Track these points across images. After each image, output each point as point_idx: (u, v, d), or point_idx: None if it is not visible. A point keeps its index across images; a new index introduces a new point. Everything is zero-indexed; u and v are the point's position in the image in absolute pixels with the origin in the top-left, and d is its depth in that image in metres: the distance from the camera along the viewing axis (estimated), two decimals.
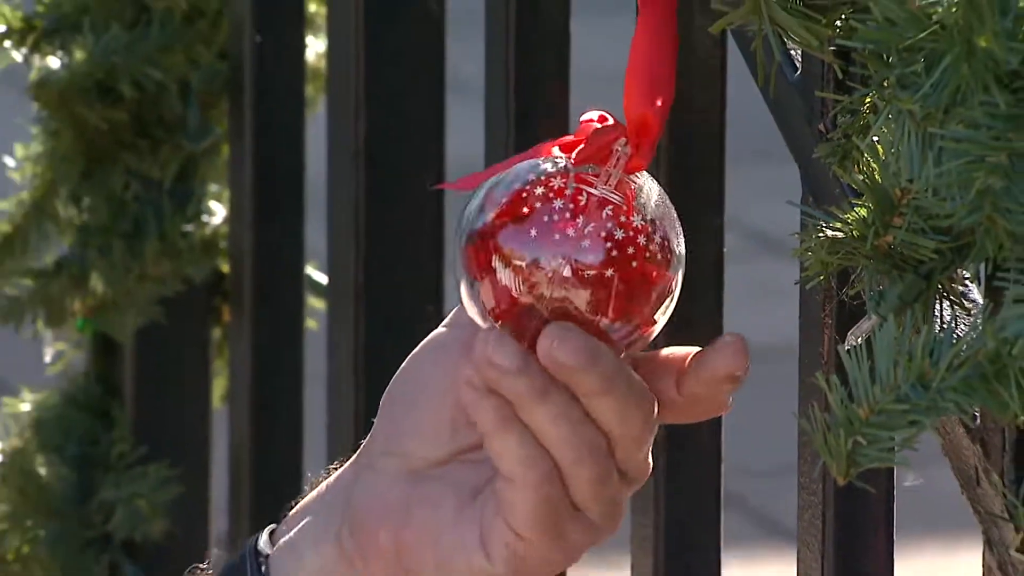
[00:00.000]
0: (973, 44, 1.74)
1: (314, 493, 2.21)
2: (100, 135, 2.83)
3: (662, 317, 1.96)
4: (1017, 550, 1.80)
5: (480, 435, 2.13)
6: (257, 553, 2.12)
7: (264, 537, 2.19)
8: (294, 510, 2.20)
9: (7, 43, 2.83)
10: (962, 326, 1.82)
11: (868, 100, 1.88)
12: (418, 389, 2.16)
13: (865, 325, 1.85)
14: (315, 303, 2.81)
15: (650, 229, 1.95)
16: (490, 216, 1.95)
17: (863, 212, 1.85)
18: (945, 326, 1.84)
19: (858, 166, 1.88)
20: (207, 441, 2.94)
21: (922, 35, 1.77)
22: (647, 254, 1.96)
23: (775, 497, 2.28)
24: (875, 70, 1.84)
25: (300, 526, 2.17)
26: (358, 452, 2.19)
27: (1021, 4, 1.80)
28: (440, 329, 2.21)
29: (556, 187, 1.95)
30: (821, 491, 2.08)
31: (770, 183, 2.06)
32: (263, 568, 2.16)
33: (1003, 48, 1.73)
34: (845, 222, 1.88)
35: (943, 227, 1.80)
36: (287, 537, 2.17)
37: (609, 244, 1.93)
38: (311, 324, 2.84)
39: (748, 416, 2.22)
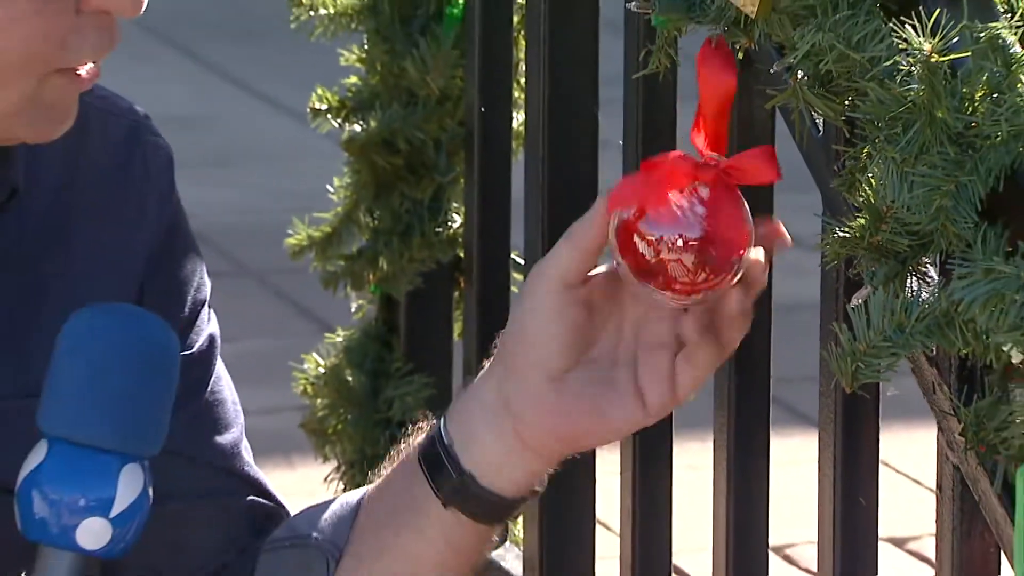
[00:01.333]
0: (933, 115, 1.75)
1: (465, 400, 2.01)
2: (385, 172, 2.81)
3: (739, 271, 1.88)
4: (960, 434, 1.77)
5: (588, 345, 1.94)
6: (440, 431, 2.03)
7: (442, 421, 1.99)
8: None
9: (329, 115, 2.78)
10: (924, 293, 1.79)
11: (865, 151, 1.84)
12: (547, 319, 1.95)
13: (863, 292, 1.85)
14: (517, 276, 2.75)
15: (747, 219, 1.89)
16: (631, 211, 1.89)
17: (862, 221, 1.83)
18: (913, 293, 1.80)
19: (859, 192, 1.84)
20: (450, 361, 2.89)
21: (900, 109, 1.77)
22: (732, 233, 1.90)
23: (804, 398, 2.22)
24: (870, 131, 1.81)
25: (469, 422, 1.99)
26: (489, 372, 1.99)
27: (963, 90, 1.75)
28: (528, 287, 1.99)
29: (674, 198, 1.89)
30: (834, 396, 2.05)
31: (802, 203, 2.00)
32: (444, 438, 1.98)
33: (952, 118, 1.74)
34: (850, 227, 1.85)
35: (913, 231, 1.80)
36: (459, 427, 1.99)
37: (705, 225, 1.87)
38: (514, 289, 2.78)
39: (787, 348, 2.14)
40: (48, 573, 1.81)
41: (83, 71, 1.90)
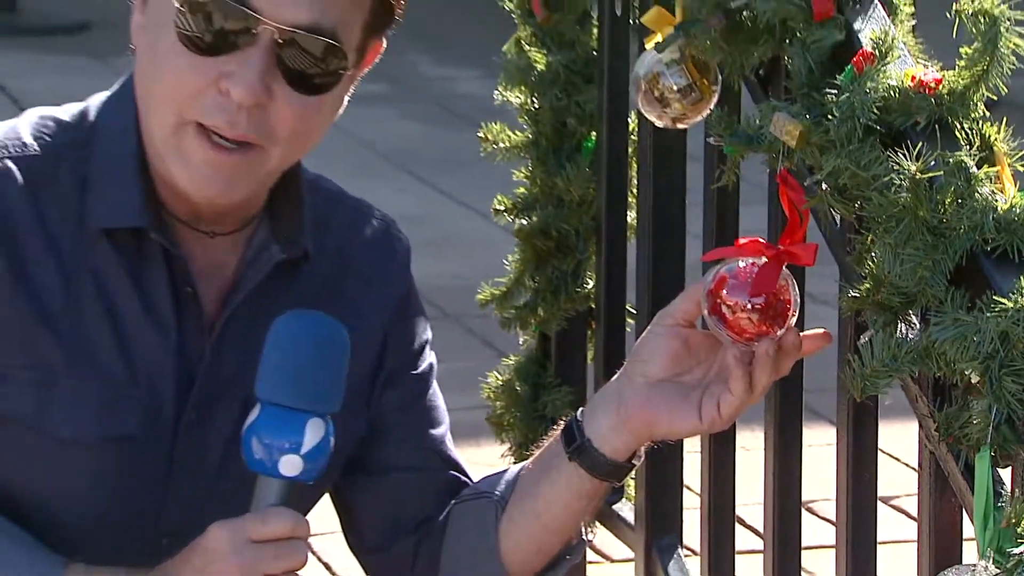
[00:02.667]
0: (917, 214, 1.70)
1: (596, 395, 2.04)
2: (542, 251, 2.92)
3: (788, 326, 1.85)
4: (935, 431, 1.71)
5: (683, 370, 1.91)
6: (576, 414, 1.97)
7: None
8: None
9: (505, 214, 2.82)
10: (910, 335, 1.74)
11: (869, 238, 1.80)
12: (655, 344, 1.91)
13: (868, 334, 1.79)
14: (630, 321, 2.71)
15: (787, 285, 1.87)
16: (714, 281, 1.87)
17: (867, 285, 1.78)
18: (903, 335, 1.75)
19: (865, 265, 1.79)
20: (584, 377, 2.88)
21: (894, 210, 1.72)
22: (785, 299, 1.87)
23: (825, 404, 2.18)
24: (873, 225, 1.76)
25: (593, 405, 1.96)
26: (615, 376, 1.96)
27: (937, 197, 1.70)
28: (653, 322, 1.97)
29: (745, 269, 1.86)
30: (848, 402, 2.01)
31: (826, 272, 1.95)
32: (580, 422, 1.94)
33: (929, 216, 1.67)
34: (859, 289, 1.80)
35: (903, 292, 1.74)
36: (587, 410, 1.96)
37: (767, 295, 1.85)
38: (628, 330, 2.72)
39: (814, 369, 2.08)
40: (264, 493, 1.82)
41: (219, 140, 1.79)
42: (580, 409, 1.98)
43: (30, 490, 1.83)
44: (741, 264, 1.86)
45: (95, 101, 1.90)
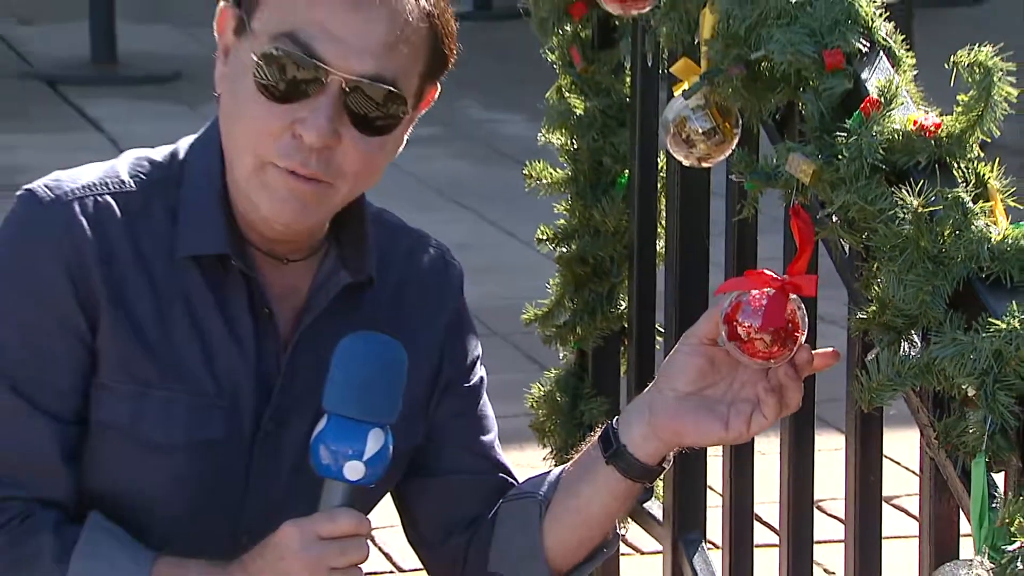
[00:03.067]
0: (919, 244, 1.68)
1: (629, 406, 1.99)
2: (580, 276, 2.90)
3: (797, 347, 1.85)
4: (934, 439, 1.68)
5: (708, 384, 1.90)
6: (612, 422, 1.96)
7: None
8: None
9: (547, 242, 2.82)
10: (912, 353, 1.71)
11: (875, 265, 1.78)
12: (682, 361, 1.90)
13: (875, 351, 1.76)
14: (659, 339, 2.69)
15: (794, 310, 1.85)
16: (730, 308, 1.86)
17: (874, 308, 1.76)
18: (906, 353, 1.72)
19: (872, 290, 1.77)
20: (618, 388, 2.86)
21: (898, 241, 1.69)
22: (793, 323, 1.86)
23: (835, 413, 2.15)
24: (879, 254, 1.75)
25: (627, 415, 1.95)
26: (647, 389, 1.95)
27: (937, 229, 1.68)
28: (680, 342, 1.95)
29: (756, 296, 1.85)
30: (856, 412, 1.99)
31: (836, 296, 1.93)
32: (615, 429, 1.94)
33: (930, 246, 1.66)
34: (866, 312, 1.79)
35: (906, 314, 1.72)
36: (622, 419, 1.95)
37: (785, 323, 1.84)
38: (657, 347, 2.70)
39: (825, 383, 2.06)
40: (330, 494, 1.81)
41: (296, 171, 1.79)
42: (615, 418, 1.97)
43: (124, 490, 1.84)
44: (754, 292, 1.85)
45: (183, 143, 1.91)
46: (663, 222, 2.63)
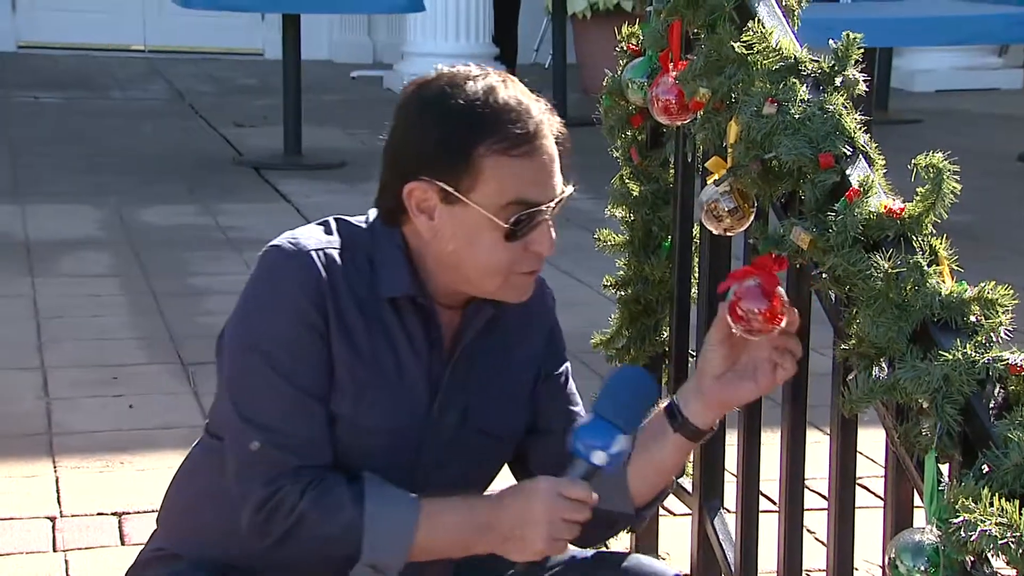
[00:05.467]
0: (888, 296, 1.63)
1: (684, 391, 1.94)
2: (634, 312, 2.89)
3: (784, 320, 1.84)
4: (897, 439, 1.64)
5: (733, 362, 1.89)
6: (674, 401, 1.94)
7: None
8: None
9: (610, 287, 2.78)
10: (882, 375, 1.67)
11: (855, 310, 1.73)
12: (712, 355, 1.89)
13: (854, 373, 1.71)
14: (691, 362, 2.64)
15: (781, 294, 1.84)
16: (731, 301, 1.84)
17: (853, 341, 1.73)
18: (877, 375, 1.68)
19: (851, 328, 1.73)
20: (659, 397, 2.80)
21: (872, 292, 1.64)
22: (781, 303, 1.84)
23: (821, 416, 2.10)
24: (859, 301, 1.72)
25: (684, 396, 1.93)
26: (692, 378, 1.93)
27: (903, 285, 1.63)
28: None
29: (747, 288, 1.83)
30: (838, 417, 1.93)
31: (826, 333, 1.90)
32: (678, 406, 1.93)
33: (896, 297, 1.61)
34: (848, 344, 1.74)
35: (877, 347, 1.67)
36: (680, 399, 1.93)
37: (770, 300, 1.83)
38: (690, 365, 2.64)
39: (815, 393, 2.01)
40: (575, 469, 1.79)
41: (535, 270, 1.86)
42: (673, 397, 1.94)
43: (349, 459, 1.85)
44: (744, 286, 1.84)
45: (372, 213, 1.93)
46: (696, 274, 2.60)
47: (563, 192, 1.84)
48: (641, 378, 1.87)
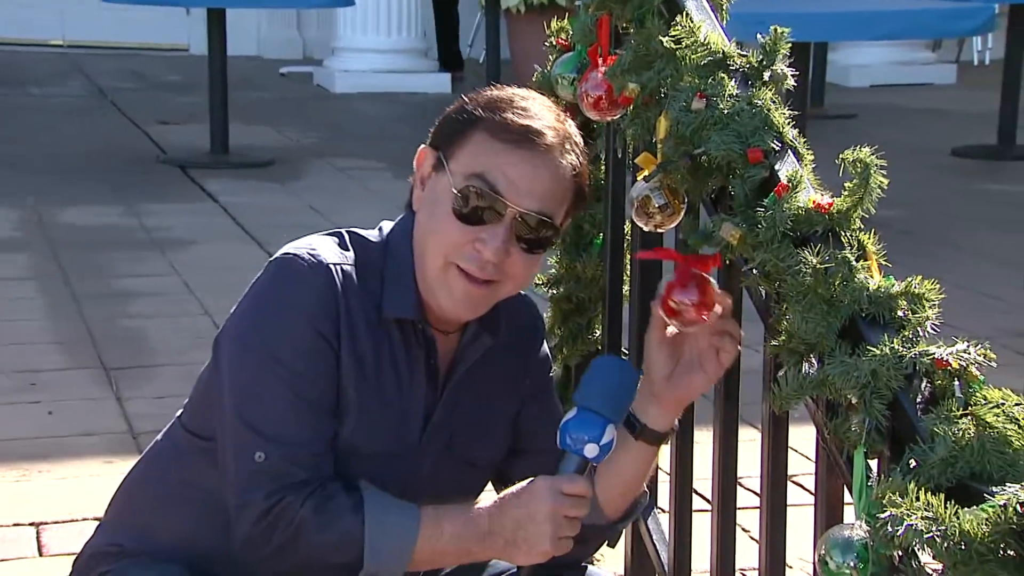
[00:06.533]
0: (817, 292, 1.66)
1: (638, 398, 1.93)
2: (565, 311, 2.91)
3: (715, 309, 1.88)
4: (826, 434, 1.67)
5: (677, 358, 1.92)
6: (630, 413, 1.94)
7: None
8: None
9: (542, 286, 2.78)
10: (811, 371, 1.69)
11: (785, 306, 1.77)
12: (655, 357, 1.92)
13: (784, 369, 1.74)
14: (625, 359, 2.66)
15: (710, 282, 1.87)
16: (662, 295, 1.86)
17: (783, 337, 1.76)
18: (806, 371, 1.70)
19: (782, 324, 1.76)
20: None
21: (802, 288, 1.69)
22: (712, 290, 1.86)
23: (753, 413, 2.12)
24: (788, 297, 1.75)
25: (640, 404, 1.94)
26: (643, 384, 1.93)
27: (830, 280, 1.66)
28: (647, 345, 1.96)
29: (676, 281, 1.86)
30: (769, 413, 1.95)
31: (756, 329, 1.92)
32: (634, 415, 1.95)
33: (826, 293, 1.63)
34: (778, 340, 1.76)
35: (807, 342, 1.70)
36: (636, 407, 1.94)
37: (701, 290, 1.85)
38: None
39: (747, 390, 2.02)
40: (568, 465, 1.81)
41: (473, 275, 1.83)
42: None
43: (349, 474, 1.86)
44: (672, 280, 1.87)
45: (386, 227, 1.94)
46: (628, 272, 2.62)
47: (541, 213, 1.82)
48: (622, 366, 1.89)
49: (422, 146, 1.86)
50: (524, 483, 1.82)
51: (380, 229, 1.91)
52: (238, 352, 1.79)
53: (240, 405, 1.77)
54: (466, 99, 1.85)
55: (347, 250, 1.86)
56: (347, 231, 1.90)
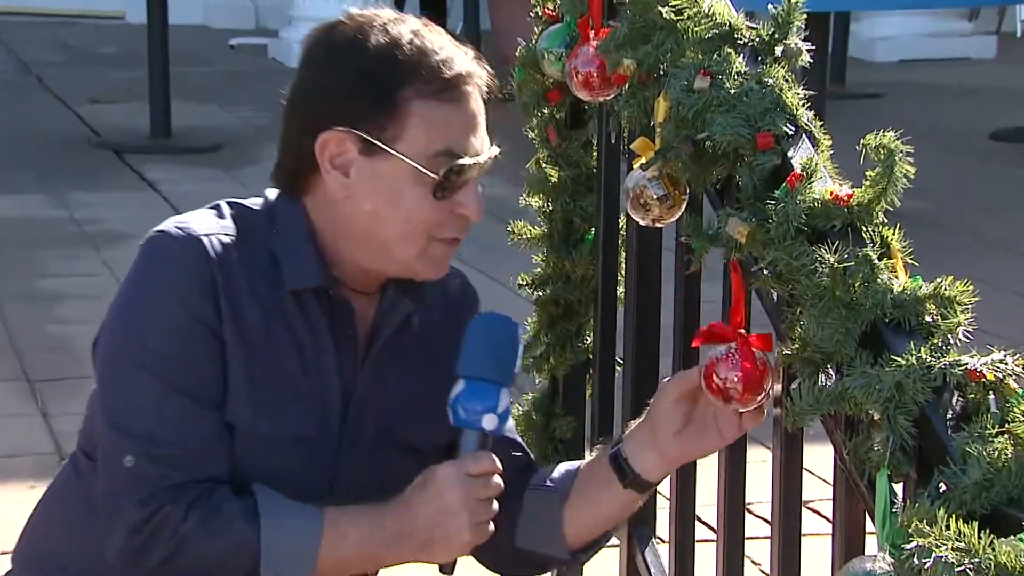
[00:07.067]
0: (835, 294, 1.70)
1: (634, 443, 1.98)
2: (554, 315, 2.91)
3: (769, 393, 1.89)
4: (846, 455, 1.69)
5: (692, 415, 1.95)
6: (620, 453, 1.99)
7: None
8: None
9: (526, 287, 2.82)
10: (828, 383, 1.70)
11: (799, 310, 1.79)
12: (670, 412, 1.95)
13: (797, 381, 1.77)
14: (618, 370, 2.67)
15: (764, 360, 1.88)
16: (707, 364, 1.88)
17: (797, 345, 1.79)
18: (823, 383, 1.72)
19: (795, 330, 1.78)
20: (584, 410, 2.82)
21: (817, 291, 1.71)
22: (763, 375, 1.88)
23: (763, 431, 2.14)
24: (802, 300, 1.77)
25: (637, 450, 1.97)
26: (641, 428, 1.97)
27: (850, 281, 1.67)
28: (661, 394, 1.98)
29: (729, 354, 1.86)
30: (782, 431, 1.97)
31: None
32: (626, 459, 1.98)
33: (844, 296, 1.64)
34: (791, 349, 1.79)
35: (823, 351, 1.71)
36: (631, 452, 1.99)
37: (745, 370, 1.87)
38: (617, 375, 2.66)
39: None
40: (468, 443, 1.84)
41: (458, 238, 1.90)
42: (618, 446, 1.97)
43: (255, 478, 1.84)
44: (721, 349, 1.87)
45: (270, 194, 1.92)
46: (623, 271, 2.63)
47: (492, 150, 1.86)
48: (500, 323, 1.90)
49: (325, 133, 1.81)
50: (426, 473, 1.83)
51: (265, 197, 1.92)
52: (105, 348, 1.80)
53: (108, 405, 1.77)
54: (342, 57, 1.80)
55: (225, 219, 1.86)
56: (227, 201, 1.90)
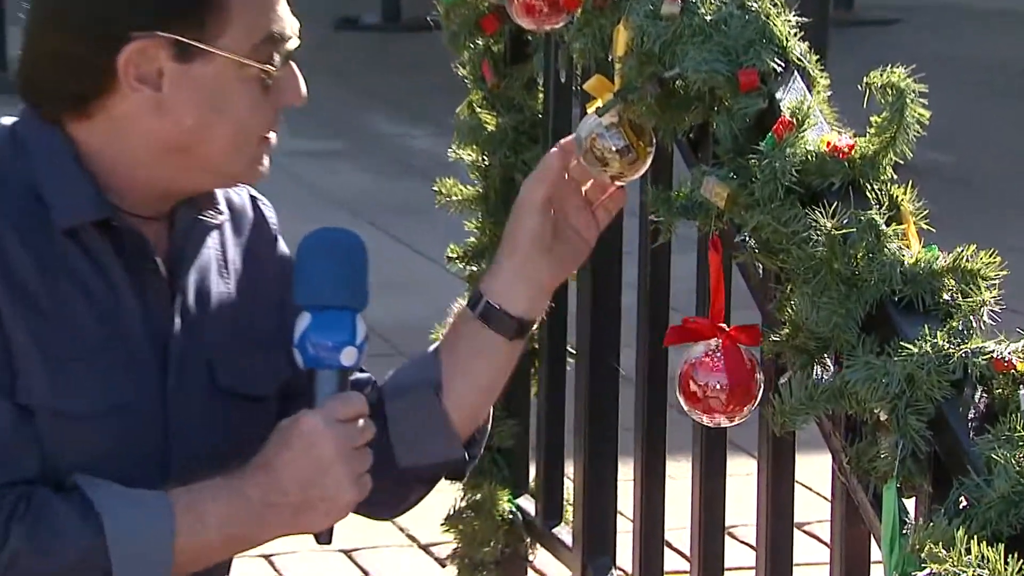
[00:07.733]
0: (832, 267, 1.71)
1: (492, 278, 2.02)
2: None
3: (758, 396, 1.92)
4: (846, 464, 1.72)
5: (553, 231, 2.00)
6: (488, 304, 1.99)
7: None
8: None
9: (457, 261, 2.81)
10: (825, 376, 1.73)
11: (789, 287, 1.81)
12: (534, 210, 1.98)
13: (788, 375, 1.77)
14: (570, 360, 2.68)
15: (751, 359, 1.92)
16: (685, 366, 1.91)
17: (787, 330, 1.79)
18: (818, 376, 1.75)
19: (785, 312, 1.80)
20: (528, 410, 2.83)
21: (811, 263, 1.72)
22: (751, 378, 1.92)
23: (746, 435, 2.16)
24: (793, 276, 1.78)
25: (498, 286, 1.99)
26: (502, 266, 2.00)
27: (850, 251, 1.70)
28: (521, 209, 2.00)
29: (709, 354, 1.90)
30: (768, 436, 1.99)
31: (751, 317, 1.97)
32: (494, 305, 1.99)
33: (843, 269, 1.68)
34: (780, 334, 1.82)
35: (818, 337, 1.74)
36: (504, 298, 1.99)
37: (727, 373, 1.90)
38: (568, 368, 2.69)
39: None
40: (325, 385, 1.84)
41: (275, 131, 1.91)
42: (482, 299, 1.98)
43: (70, 464, 1.81)
44: (699, 349, 1.90)
45: (4, 121, 1.89)
46: None
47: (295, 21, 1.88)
48: (339, 237, 1.91)
49: (129, 45, 1.81)
50: (283, 428, 1.84)
51: (2, 126, 1.90)
52: None
53: None
54: None
55: None
56: None
